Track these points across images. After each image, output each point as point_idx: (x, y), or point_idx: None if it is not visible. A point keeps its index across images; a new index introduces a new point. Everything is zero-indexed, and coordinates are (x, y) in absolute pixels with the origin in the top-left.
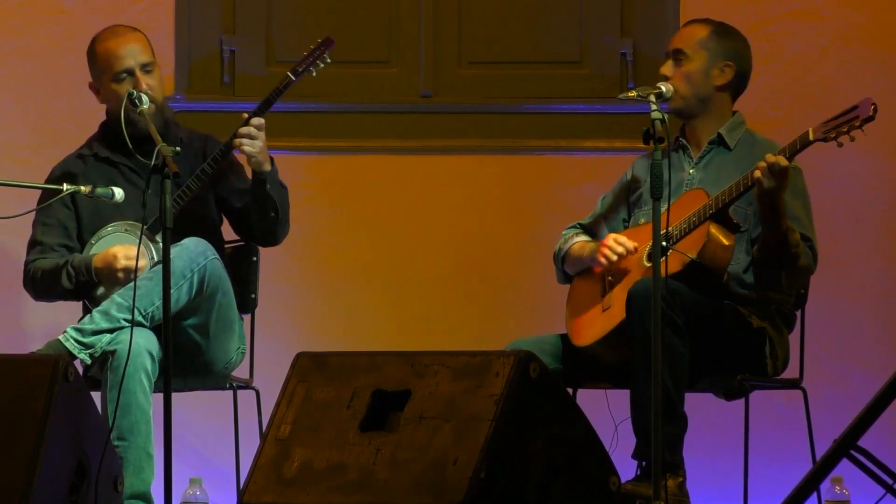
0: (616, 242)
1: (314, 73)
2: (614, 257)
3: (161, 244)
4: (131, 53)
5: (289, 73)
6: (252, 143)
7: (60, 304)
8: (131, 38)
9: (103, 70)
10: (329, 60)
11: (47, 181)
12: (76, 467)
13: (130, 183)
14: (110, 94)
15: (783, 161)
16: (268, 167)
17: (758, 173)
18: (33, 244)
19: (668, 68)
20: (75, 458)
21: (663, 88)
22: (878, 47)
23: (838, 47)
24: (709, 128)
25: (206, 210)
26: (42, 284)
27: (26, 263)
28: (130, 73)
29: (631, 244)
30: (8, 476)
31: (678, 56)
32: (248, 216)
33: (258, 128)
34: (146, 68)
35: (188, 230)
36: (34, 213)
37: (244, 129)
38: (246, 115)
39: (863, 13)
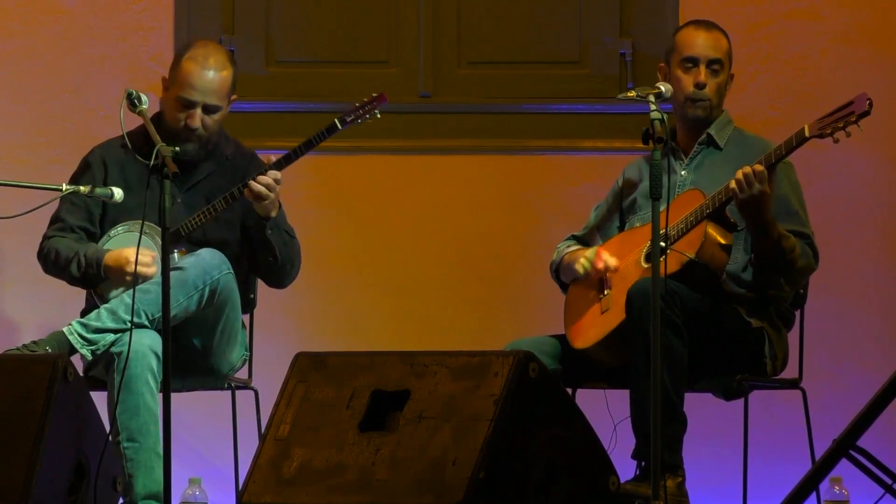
0: (599, 258)
1: (360, 125)
2: (594, 273)
3: (177, 253)
4: (203, 91)
5: (336, 121)
6: (267, 195)
7: (59, 302)
8: (215, 75)
9: (174, 83)
10: (379, 116)
11: (85, 158)
12: (75, 467)
13: (151, 186)
14: (169, 106)
15: (759, 167)
16: (273, 213)
17: (733, 184)
18: (55, 220)
19: (706, 76)
20: (74, 458)
21: (662, 88)
22: (877, 47)
23: (837, 47)
24: (702, 130)
25: (230, 234)
26: (54, 265)
27: (44, 237)
28: (193, 105)
29: (613, 262)
30: (7, 475)
31: (714, 66)
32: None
33: (276, 181)
34: (210, 110)
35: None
36: (35, 211)
37: (263, 180)
38: (273, 160)
39: (862, 13)
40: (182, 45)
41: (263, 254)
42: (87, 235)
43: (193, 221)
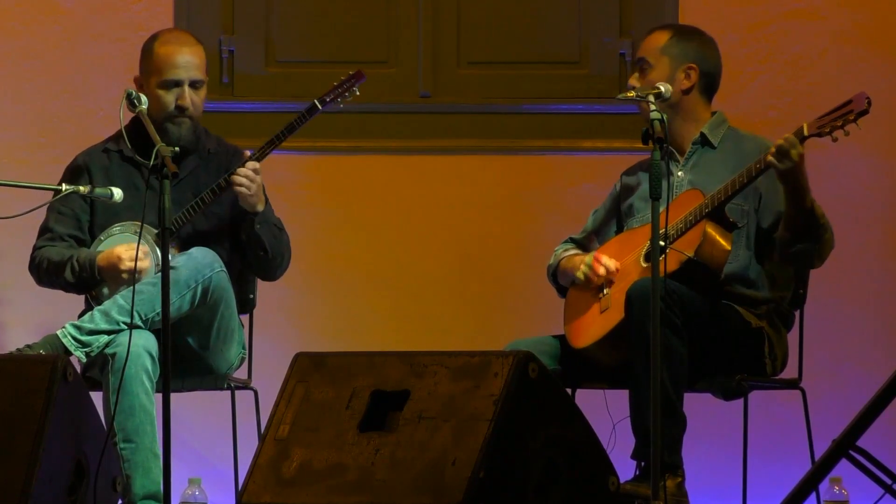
0: (598, 263)
1: (341, 105)
2: (595, 278)
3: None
4: (187, 66)
5: (315, 102)
6: (248, 185)
7: (60, 302)
8: (191, 51)
9: (153, 72)
10: (358, 93)
11: (69, 167)
12: (75, 467)
13: (150, 186)
14: (152, 97)
15: (792, 138)
16: (260, 207)
17: (770, 157)
18: (44, 230)
19: (634, 79)
20: (74, 458)
21: (662, 89)
22: (876, 47)
23: (837, 47)
24: (687, 130)
25: (220, 227)
26: (46, 274)
27: (34, 248)
28: (179, 84)
29: (612, 264)
30: (7, 476)
31: (642, 65)
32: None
33: (255, 171)
34: (196, 85)
35: (200, 243)
36: (38, 209)
37: (242, 171)
38: (248, 154)
39: (862, 13)
40: (151, 40)
41: (254, 248)
42: (77, 243)
43: (183, 217)
